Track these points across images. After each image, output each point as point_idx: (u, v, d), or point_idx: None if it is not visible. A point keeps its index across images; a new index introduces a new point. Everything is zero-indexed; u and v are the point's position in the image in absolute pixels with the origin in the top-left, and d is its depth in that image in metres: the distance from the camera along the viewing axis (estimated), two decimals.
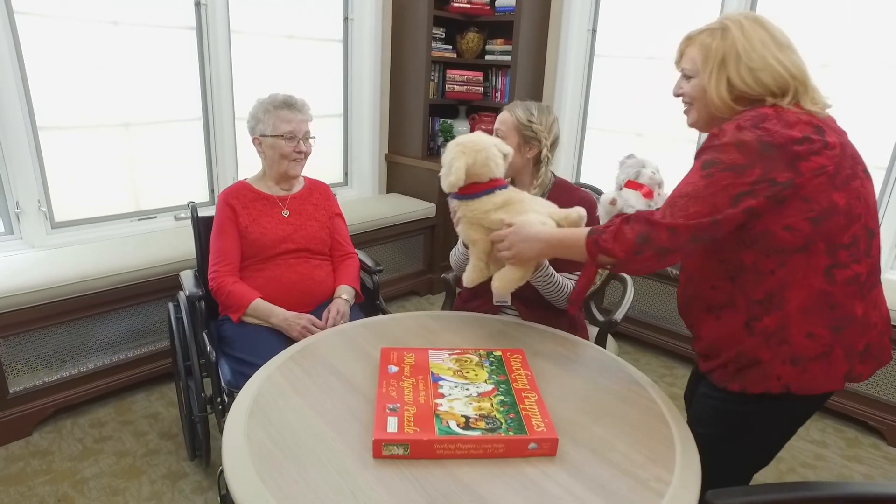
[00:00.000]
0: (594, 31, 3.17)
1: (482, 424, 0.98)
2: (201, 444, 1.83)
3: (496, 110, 3.26)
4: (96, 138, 2.38)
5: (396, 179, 3.40)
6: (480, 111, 3.29)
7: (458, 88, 3.30)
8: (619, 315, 1.78)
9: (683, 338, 2.67)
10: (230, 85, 2.69)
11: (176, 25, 2.48)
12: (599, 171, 3.30)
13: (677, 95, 1.18)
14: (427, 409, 1.01)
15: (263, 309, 1.59)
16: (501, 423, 0.98)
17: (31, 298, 1.94)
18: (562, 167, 3.35)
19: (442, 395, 1.06)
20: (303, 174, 1.87)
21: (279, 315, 1.59)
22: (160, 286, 2.21)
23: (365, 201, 3.23)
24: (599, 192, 1.87)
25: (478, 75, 3.32)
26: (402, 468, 0.92)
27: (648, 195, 1.29)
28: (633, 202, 1.25)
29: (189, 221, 1.91)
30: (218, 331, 1.69)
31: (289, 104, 1.75)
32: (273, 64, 2.86)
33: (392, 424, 0.96)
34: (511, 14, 3.06)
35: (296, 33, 2.91)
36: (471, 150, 1.32)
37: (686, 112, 1.18)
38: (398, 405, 1.02)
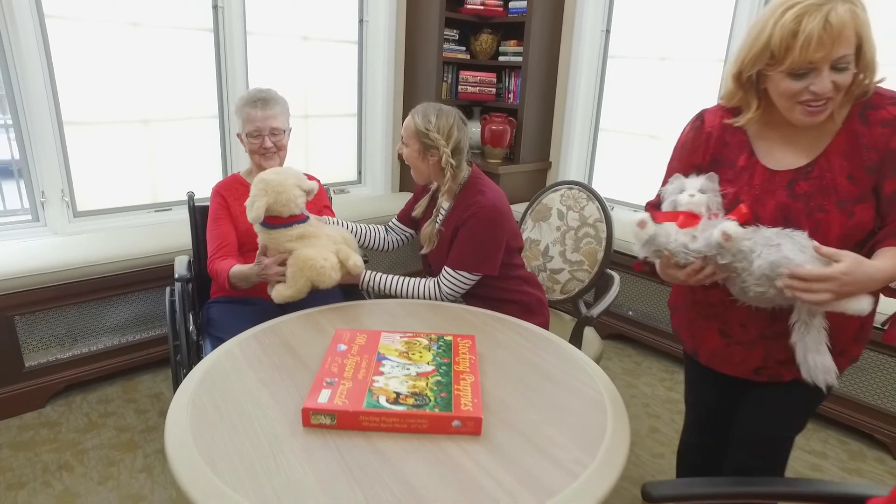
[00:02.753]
0: (608, 31, 3.16)
1: (411, 401, 1.01)
2: None
3: (509, 111, 3.30)
4: (117, 133, 2.53)
5: (409, 178, 3.46)
6: (493, 112, 3.32)
7: (470, 89, 3.34)
8: (596, 311, 1.78)
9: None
10: (245, 84, 2.80)
11: (194, 27, 2.61)
12: (612, 173, 3.27)
13: (826, 98, 1.00)
14: (362, 385, 1.05)
15: (241, 273, 1.63)
16: (430, 401, 1.01)
17: (46, 279, 2.08)
18: (574, 168, 3.34)
19: (381, 373, 1.10)
20: (291, 166, 1.95)
21: (253, 270, 1.60)
22: (167, 273, 2.32)
23: (377, 199, 3.31)
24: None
25: (491, 76, 3.35)
26: (328, 437, 0.97)
27: (685, 223, 1.12)
28: (674, 236, 1.10)
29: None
30: (206, 313, 1.77)
31: (253, 102, 1.78)
32: (288, 64, 2.96)
33: (324, 396, 1.01)
34: (524, 15, 3.09)
35: (311, 35, 3.01)
36: (273, 190, 1.48)
37: (821, 111, 1.02)
38: (336, 380, 1.07)
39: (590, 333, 1.97)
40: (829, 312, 1.05)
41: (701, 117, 1.23)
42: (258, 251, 1.58)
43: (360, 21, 3.17)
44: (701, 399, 1.43)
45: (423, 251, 1.76)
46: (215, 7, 2.64)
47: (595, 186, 2.14)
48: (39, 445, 1.97)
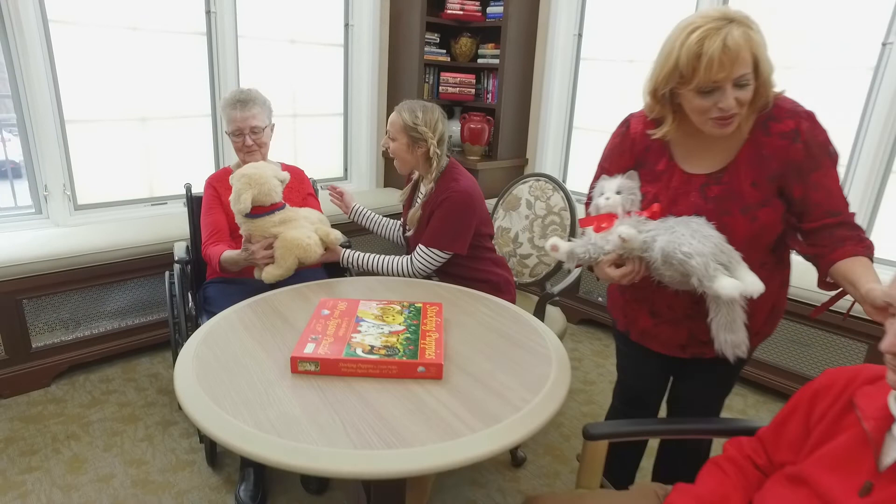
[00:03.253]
0: (580, 35, 3.35)
1: (383, 351, 1.19)
2: None
3: (487, 111, 3.48)
4: (116, 131, 2.69)
5: (392, 175, 3.64)
6: (472, 111, 3.50)
7: (451, 90, 3.53)
8: (557, 289, 1.97)
9: None
10: (237, 84, 2.96)
11: (188, 31, 2.78)
12: (585, 169, 3.47)
13: (733, 113, 1.11)
14: (342, 340, 1.23)
15: (231, 259, 1.80)
16: (399, 351, 1.20)
17: (52, 266, 2.24)
18: (549, 165, 3.53)
19: (359, 332, 1.28)
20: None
21: (241, 255, 1.77)
22: (165, 261, 2.49)
23: (363, 194, 3.48)
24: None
25: (470, 78, 3.54)
26: (313, 381, 1.15)
27: (600, 228, 1.22)
28: (593, 239, 1.22)
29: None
30: (203, 293, 1.95)
31: (234, 104, 1.94)
32: (277, 66, 3.13)
33: (309, 348, 1.19)
34: (501, 20, 3.28)
35: (299, 38, 3.18)
36: (256, 182, 1.67)
37: (729, 124, 1.13)
38: (319, 336, 1.25)
39: (555, 313, 2.17)
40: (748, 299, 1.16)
41: (627, 123, 1.34)
42: (244, 239, 1.75)
43: (346, 25, 3.35)
44: (631, 371, 1.55)
45: (409, 233, 1.95)
46: (208, 12, 2.80)
47: (569, 181, 2.33)
48: (47, 419, 2.13)
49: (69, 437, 2.03)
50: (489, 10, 3.38)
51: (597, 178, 1.37)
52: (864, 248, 1.13)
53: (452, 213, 1.79)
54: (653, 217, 1.21)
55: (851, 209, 1.19)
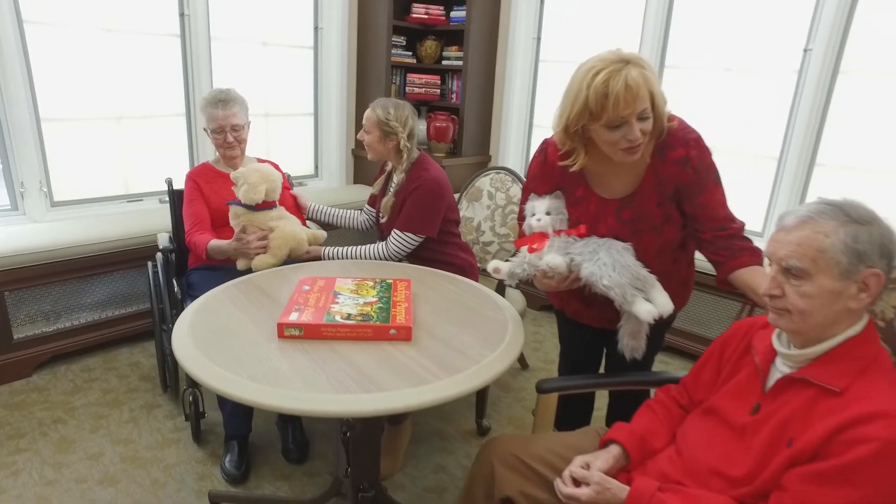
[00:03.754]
0: (538, 38, 3.57)
1: (359, 317, 1.36)
2: (172, 377, 2.20)
3: (452, 110, 3.66)
4: (92, 130, 2.77)
5: (361, 171, 3.79)
6: (437, 110, 3.68)
7: (417, 90, 3.69)
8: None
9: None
10: (210, 85, 3.07)
11: (162, 33, 2.88)
12: None
13: (637, 144, 1.26)
14: (322, 309, 1.39)
15: (217, 246, 1.94)
16: (373, 318, 1.36)
17: (32, 259, 2.32)
18: (511, 161, 3.73)
19: (336, 303, 1.44)
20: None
21: (231, 245, 1.91)
22: (143, 254, 2.57)
23: (333, 190, 3.62)
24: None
25: (435, 79, 3.71)
26: (297, 343, 1.30)
27: (533, 249, 1.37)
28: (528, 258, 1.38)
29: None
30: (187, 279, 2.07)
31: (215, 103, 2.06)
32: (250, 68, 3.25)
33: (293, 316, 1.34)
34: (464, 24, 3.46)
35: (270, 41, 3.31)
36: (268, 179, 1.91)
37: (636, 152, 1.28)
38: (301, 307, 1.40)
39: (516, 294, 2.35)
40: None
41: (544, 151, 1.47)
42: (238, 230, 1.89)
43: (316, 28, 3.48)
44: (570, 342, 1.74)
45: (383, 220, 2.11)
46: (182, 14, 2.90)
47: None
48: (31, 406, 2.21)
49: (55, 421, 2.12)
50: (452, 14, 3.56)
51: (525, 198, 1.53)
52: (757, 258, 1.35)
53: (424, 199, 1.96)
54: (580, 235, 1.38)
55: (743, 219, 1.39)
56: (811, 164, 2.69)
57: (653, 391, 1.39)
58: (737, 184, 2.75)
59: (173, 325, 1.91)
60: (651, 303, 1.33)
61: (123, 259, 2.57)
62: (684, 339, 2.78)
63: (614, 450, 1.20)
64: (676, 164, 1.34)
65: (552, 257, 1.35)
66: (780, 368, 1.06)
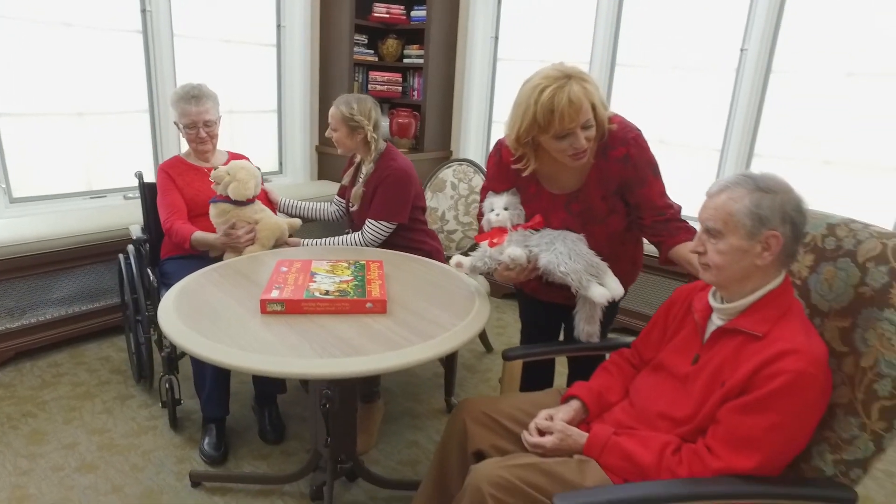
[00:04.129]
0: (496, 38, 3.71)
1: (336, 293, 1.45)
2: (146, 367, 2.23)
3: (413, 107, 3.77)
4: (52, 125, 2.75)
5: (326, 168, 3.85)
6: (399, 107, 3.78)
7: (379, 88, 3.78)
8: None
9: None
10: (174, 82, 3.08)
11: (124, 29, 2.88)
12: None
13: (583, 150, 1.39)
14: (301, 287, 1.48)
15: (202, 238, 2.01)
16: (350, 293, 1.46)
17: None
18: (471, 156, 3.86)
19: (314, 281, 1.52)
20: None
21: (219, 239, 1.98)
22: (109, 248, 2.57)
23: (298, 186, 3.67)
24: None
25: (397, 76, 3.81)
26: (280, 318, 1.39)
27: (493, 243, 1.47)
28: (489, 252, 1.48)
29: (137, 198, 2.32)
30: (161, 269, 2.11)
31: (188, 99, 2.11)
32: (213, 65, 3.27)
33: (275, 293, 1.42)
34: (424, 23, 3.57)
35: (233, 38, 3.34)
36: (254, 175, 2.02)
37: (583, 156, 1.41)
38: (281, 285, 1.48)
39: (479, 280, 2.47)
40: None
41: (499, 151, 1.58)
42: (227, 226, 1.96)
43: (278, 26, 3.53)
44: (530, 318, 1.85)
45: (353, 209, 2.20)
46: (144, 11, 2.91)
47: None
48: None
49: (25, 415, 2.12)
50: (413, 13, 3.67)
51: (484, 195, 1.64)
52: (692, 235, 1.48)
53: (393, 188, 2.06)
54: (536, 227, 1.49)
55: (690, 205, 1.55)
56: (750, 154, 2.92)
57: (608, 356, 1.53)
58: (683, 173, 2.96)
59: (151, 313, 1.98)
60: (604, 287, 1.47)
61: (89, 254, 2.57)
62: (633, 318, 2.95)
63: (574, 404, 1.33)
64: (618, 161, 1.48)
65: (513, 250, 1.45)
66: (715, 322, 1.21)
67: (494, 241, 1.50)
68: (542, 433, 1.26)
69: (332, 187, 3.61)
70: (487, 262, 1.52)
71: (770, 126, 2.85)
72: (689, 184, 2.99)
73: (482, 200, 1.64)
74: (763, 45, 2.77)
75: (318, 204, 2.40)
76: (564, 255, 1.43)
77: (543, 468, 1.16)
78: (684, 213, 1.57)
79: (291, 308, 1.40)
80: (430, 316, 1.46)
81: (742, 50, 2.84)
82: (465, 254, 1.59)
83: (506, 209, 1.52)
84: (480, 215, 1.63)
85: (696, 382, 1.17)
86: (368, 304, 1.43)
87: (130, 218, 2.65)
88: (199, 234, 2.01)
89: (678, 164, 3.01)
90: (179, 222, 2.06)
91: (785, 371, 1.00)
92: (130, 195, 2.99)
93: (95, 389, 2.30)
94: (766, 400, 1.01)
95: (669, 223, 1.52)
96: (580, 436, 1.22)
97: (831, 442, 1.11)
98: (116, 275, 2.45)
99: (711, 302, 1.21)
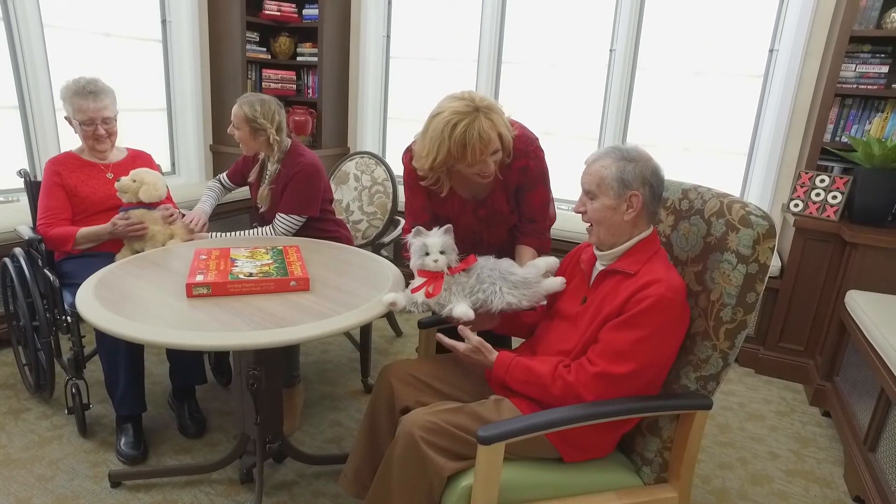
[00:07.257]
0: (388, 36, 3.84)
1: (260, 275, 1.51)
2: (45, 376, 2.11)
3: (309, 104, 3.80)
4: None
5: (221, 167, 3.77)
6: (294, 105, 3.80)
7: (273, 86, 3.77)
8: (385, 240, 2.43)
9: None
10: (48, 77, 2.88)
11: None
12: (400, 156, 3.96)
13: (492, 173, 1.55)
14: (225, 272, 1.52)
15: (91, 233, 1.95)
16: (273, 274, 1.53)
17: None
18: (369, 149, 3.96)
19: (236, 266, 1.58)
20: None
21: (106, 229, 1.95)
22: None
23: (192, 186, 3.56)
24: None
25: (291, 74, 3.82)
26: (207, 300, 1.43)
27: (429, 294, 1.40)
28: (432, 303, 1.42)
29: (17, 200, 2.18)
30: (59, 270, 2.01)
31: (84, 94, 2.02)
32: (93, 59, 3.10)
33: (199, 277, 1.46)
34: (316, 21, 3.62)
35: (113, 32, 3.18)
36: (160, 177, 2.06)
37: (491, 177, 1.57)
38: (204, 271, 1.52)
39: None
40: None
41: (411, 161, 1.64)
42: (138, 224, 1.95)
43: (163, 21, 3.42)
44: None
45: (262, 210, 2.22)
46: None
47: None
48: None
49: None
50: (305, 11, 3.70)
51: (410, 210, 1.75)
52: (538, 242, 1.75)
53: (304, 182, 2.12)
54: (468, 265, 1.45)
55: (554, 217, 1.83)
56: (623, 142, 3.29)
57: None
58: (564, 160, 3.28)
59: (52, 315, 1.90)
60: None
61: None
62: None
63: None
64: (519, 171, 1.67)
65: (462, 309, 1.39)
66: (598, 268, 1.43)
67: (429, 290, 1.42)
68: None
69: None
70: (421, 307, 1.43)
71: (639, 117, 3.25)
72: (570, 168, 3.33)
73: (408, 223, 1.72)
74: (628, 46, 3.15)
75: (217, 193, 2.42)
76: (511, 293, 1.41)
77: (466, 410, 1.32)
78: (568, 189, 1.82)
79: (218, 290, 1.45)
80: (351, 289, 1.57)
81: (611, 50, 3.21)
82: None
83: (442, 252, 1.43)
84: (406, 245, 1.52)
85: (583, 319, 1.39)
86: (292, 283, 1.51)
87: (7, 221, 2.47)
88: (84, 230, 1.96)
89: (562, 152, 3.32)
90: (58, 228, 1.98)
91: (649, 296, 1.24)
92: (11, 198, 2.78)
93: None
94: (633, 319, 1.25)
95: (531, 226, 1.75)
96: (491, 353, 1.38)
97: (693, 363, 1.36)
98: None
99: (596, 252, 1.44)
